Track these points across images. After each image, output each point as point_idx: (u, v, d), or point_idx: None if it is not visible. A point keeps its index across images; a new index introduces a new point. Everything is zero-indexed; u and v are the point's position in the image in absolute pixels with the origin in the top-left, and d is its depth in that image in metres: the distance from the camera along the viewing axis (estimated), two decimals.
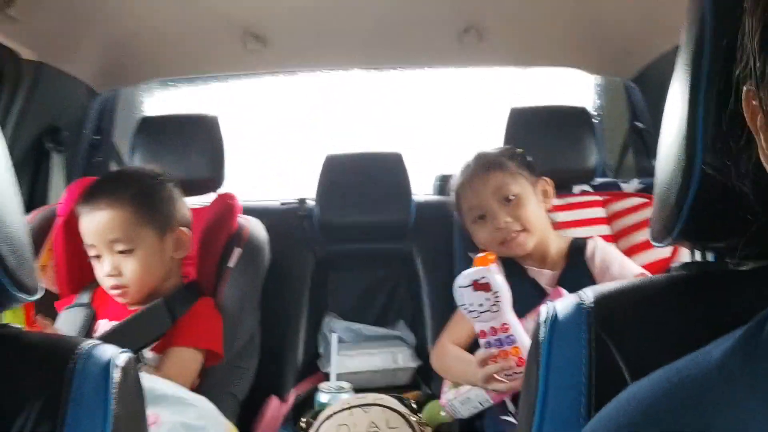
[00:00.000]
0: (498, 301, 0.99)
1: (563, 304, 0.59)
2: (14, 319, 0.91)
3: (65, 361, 0.62)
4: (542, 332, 0.58)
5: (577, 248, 1.30)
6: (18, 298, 0.67)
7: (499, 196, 1.25)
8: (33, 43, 1.48)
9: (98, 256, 1.21)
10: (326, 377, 1.45)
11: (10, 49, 1.43)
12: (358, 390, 1.40)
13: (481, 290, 0.99)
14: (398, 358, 1.56)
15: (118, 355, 0.65)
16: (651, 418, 0.37)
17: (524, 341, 1.01)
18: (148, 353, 1.19)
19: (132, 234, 1.20)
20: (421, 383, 1.58)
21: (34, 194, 1.65)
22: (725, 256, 0.63)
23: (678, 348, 0.53)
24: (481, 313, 1.00)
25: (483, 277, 0.98)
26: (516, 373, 1.02)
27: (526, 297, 1.20)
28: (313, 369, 1.61)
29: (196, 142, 1.65)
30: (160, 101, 2.08)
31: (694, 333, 0.54)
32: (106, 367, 0.63)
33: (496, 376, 1.04)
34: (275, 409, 1.43)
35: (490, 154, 1.34)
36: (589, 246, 1.29)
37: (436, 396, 1.44)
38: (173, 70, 1.91)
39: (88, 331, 1.22)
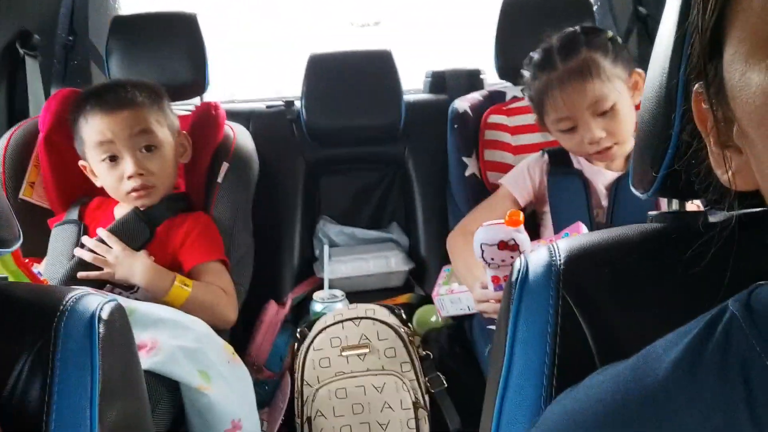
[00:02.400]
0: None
1: (535, 260, 0.59)
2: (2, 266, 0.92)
3: (50, 318, 0.64)
4: (512, 291, 0.58)
5: None
6: None
7: (594, 109, 1.12)
8: None
9: (114, 158, 1.19)
10: (322, 281, 1.50)
11: None
12: (351, 294, 1.46)
13: (506, 249, 0.98)
14: (391, 262, 1.59)
15: (101, 307, 0.67)
16: None
17: None
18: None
19: (156, 130, 1.21)
20: (415, 285, 1.63)
21: (12, 105, 1.60)
22: (705, 205, 0.62)
23: (646, 317, 0.54)
24: (500, 266, 1.00)
25: (512, 239, 0.95)
26: None
27: (573, 207, 1.21)
28: (310, 272, 1.65)
29: (175, 43, 1.58)
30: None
31: (666, 299, 0.55)
32: (90, 321, 0.65)
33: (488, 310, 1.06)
34: (273, 313, 1.49)
35: (581, 52, 1.14)
36: None
37: (428, 298, 1.49)
38: None
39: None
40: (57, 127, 1.33)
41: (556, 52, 1.17)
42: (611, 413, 0.38)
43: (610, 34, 1.20)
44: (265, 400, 1.30)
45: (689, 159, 0.47)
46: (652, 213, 0.64)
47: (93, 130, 1.18)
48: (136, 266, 1.13)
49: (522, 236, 0.96)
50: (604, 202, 1.22)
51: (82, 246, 1.18)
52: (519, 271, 0.59)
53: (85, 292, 0.68)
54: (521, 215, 0.96)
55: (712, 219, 0.61)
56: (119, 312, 0.69)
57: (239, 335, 1.37)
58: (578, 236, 0.62)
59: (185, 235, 1.24)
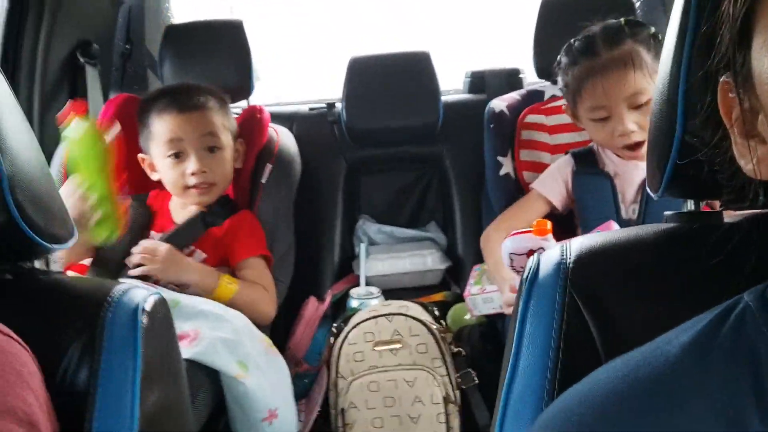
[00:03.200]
0: None
1: (546, 259, 0.61)
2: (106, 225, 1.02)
3: (98, 309, 0.69)
4: (523, 289, 0.60)
5: None
6: (52, 249, 0.74)
7: (630, 102, 1.12)
8: None
9: (179, 155, 1.26)
10: (359, 279, 1.55)
11: None
12: (388, 291, 1.49)
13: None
14: (428, 261, 1.62)
15: (146, 299, 0.72)
16: (601, 422, 0.38)
17: None
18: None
19: (220, 134, 1.29)
20: (450, 283, 1.65)
21: None
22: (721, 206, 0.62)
23: (655, 318, 0.55)
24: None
25: (541, 248, 0.96)
26: None
27: (600, 206, 1.22)
28: (349, 270, 1.70)
29: (223, 49, 1.65)
30: (189, 6, 2.04)
31: (675, 299, 0.55)
32: (134, 313, 0.70)
33: None
34: (313, 309, 1.54)
35: (626, 43, 1.14)
36: None
37: (463, 297, 1.51)
38: None
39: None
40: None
41: (599, 40, 1.17)
42: (621, 394, 0.38)
43: (652, 29, 1.20)
44: (303, 392, 1.35)
45: (708, 154, 0.48)
46: (667, 213, 0.65)
47: (165, 127, 1.26)
48: (183, 269, 1.20)
49: (550, 245, 0.96)
50: (638, 199, 1.22)
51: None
52: (530, 269, 0.61)
53: (131, 285, 0.74)
54: (549, 224, 0.97)
55: (727, 220, 0.61)
56: (162, 304, 0.75)
57: (280, 329, 1.43)
58: (592, 235, 0.63)
59: (231, 232, 1.30)
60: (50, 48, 1.57)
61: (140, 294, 0.73)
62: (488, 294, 1.26)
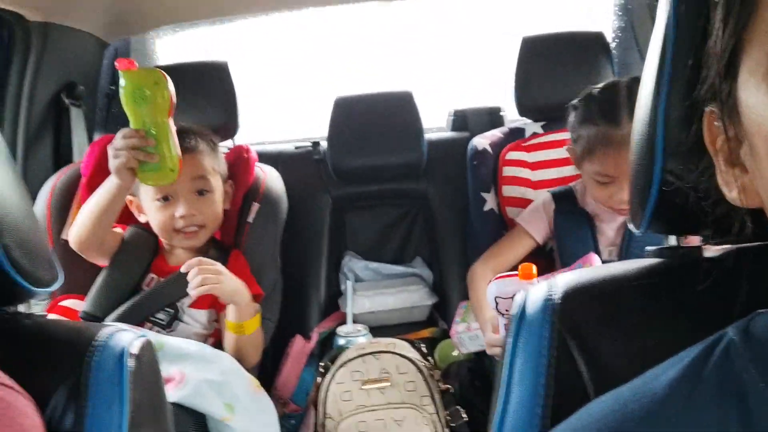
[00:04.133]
0: None
1: (534, 295, 0.61)
2: None
3: (84, 352, 0.69)
4: (512, 326, 0.61)
5: None
6: (35, 293, 0.73)
7: None
8: (37, 3, 1.48)
9: (168, 198, 1.24)
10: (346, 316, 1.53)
11: (16, 13, 1.44)
12: (375, 328, 1.49)
13: None
14: (414, 297, 1.62)
15: (132, 342, 0.72)
16: None
17: None
18: (189, 309, 1.26)
19: (210, 177, 1.29)
20: (438, 319, 1.65)
21: (58, 152, 1.71)
22: (702, 241, 0.64)
23: (642, 353, 0.55)
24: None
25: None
26: None
27: (579, 245, 1.23)
28: (336, 307, 1.69)
29: (208, 90, 1.67)
30: (173, 48, 2.07)
31: (661, 334, 0.56)
32: (121, 356, 0.69)
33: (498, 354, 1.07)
34: (300, 347, 1.52)
35: None
36: None
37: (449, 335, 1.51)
38: (181, 15, 1.89)
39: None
40: (98, 170, 1.42)
41: (624, 109, 1.12)
42: (611, 429, 0.39)
43: None
44: None
45: (692, 184, 0.49)
46: (649, 248, 0.66)
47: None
48: (239, 284, 1.18)
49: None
50: (617, 240, 1.24)
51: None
52: (519, 306, 0.61)
53: (117, 329, 0.73)
54: (534, 268, 0.97)
55: (707, 254, 0.63)
56: (148, 347, 0.74)
57: (267, 369, 1.41)
58: (577, 271, 0.64)
59: None
60: (35, 89, 1.58)
61: (126, 337, 0.72)
62: (474, 332, 1.26)
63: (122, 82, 1.09)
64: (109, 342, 0.70)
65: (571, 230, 1.28)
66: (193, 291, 1.10)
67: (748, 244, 0.60)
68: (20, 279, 0.69)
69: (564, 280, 0.62)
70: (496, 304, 0.99)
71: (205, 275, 1.10)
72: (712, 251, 0.63)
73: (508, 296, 0.97)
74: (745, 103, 0.37)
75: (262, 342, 1.26)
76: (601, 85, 1.20)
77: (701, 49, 0.44)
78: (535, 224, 1.34)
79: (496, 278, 1.01)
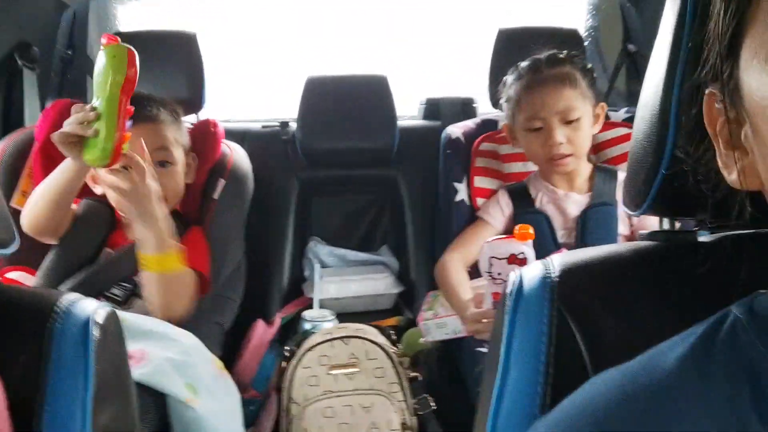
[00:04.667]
0: None
1: (530, 274, 0.60)
2: None
3: (44, 320, 0.63)
4: (507, 303, 0.59)
5: (606, 174, 1.34)
6: None
7: (563, 116, 1.24)
8: None
9: (127, 169, 1.13)
10: (311, 301, 1.50)
11: None
12: (340, 314, 1.46)
13: (515, 263, 0.99)
14: (380, 285, 1.60)
15: (97, 311, 0.66)
16: (601, 430, 0.37)
17: None
18: None
19: (172, 148, 1.23)
20: (403, 308, 1.63)
21: (8, 115, 1.61)
22: (696, 225, 0.64)
23: (641, 330, 0.55)
24: (504, 282, 1.01)
25: (522, 253, 0.97)
26: None
27: (541, 239, 1.21)
28: (299, 292, 1.65)
29: (174, 61, 1.60)
30: (134, 14, 1.98)
31: (659, 312, 0.56)
32: (86, 325, 0.64)
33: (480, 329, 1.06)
34: (261, 332, 1.48)
35: (566, 66, 1.29)
36: (621, 176, 1.32)
37: (416, 321, 1.49)
38: None
39: None
40: None
41: (544, 60, 1.30)
42: (620, 403, 0.38)
43: (589, 65, 1.35)
44: (250, 419, 1.28)
45: (692, 166, 0.49)
46: (642, 232, 0.66)
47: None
48: (153, 209, 1.06)
49: (531, 251, 0.98)
50: (573, 225, 1.31)
51: None
52: (514, 284, 0.60)
53: (79, 297, 0.68)
54: (531, 229, 0.99)
55: (701, 239, 0.63)
56: (113, 317, 0.69)
57: (227, 353, 1.36)
58: (572, 252, 0.63)
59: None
60: None
61: (90, 305, 0.67)
62: (441, 319, 1.25)
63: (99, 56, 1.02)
64: (73, 309, 0.65)
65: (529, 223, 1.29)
66: (102, 179, 1.02)
67: (744, 231, 0.60)
68: None
69: (561, 259, 0.61)
70: (490, 265, 0.99)
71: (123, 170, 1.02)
72: (706, 237, 0.64)
73: (503, 257, 0.97)
74: (747, 85, 0.37)
75: (189, 292, 1.15)
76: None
77: (700, 31, 0.44)
78: (494, 215, 1.38)
79: (492, 240, 1.02)
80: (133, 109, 1.01)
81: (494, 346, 0.60)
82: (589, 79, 1.30)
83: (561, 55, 1.32)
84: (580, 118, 1.24)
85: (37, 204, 1.14)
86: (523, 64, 1.34)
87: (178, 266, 1.10)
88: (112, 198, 1.05)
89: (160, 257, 1.08)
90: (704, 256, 0.58)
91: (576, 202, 1.32)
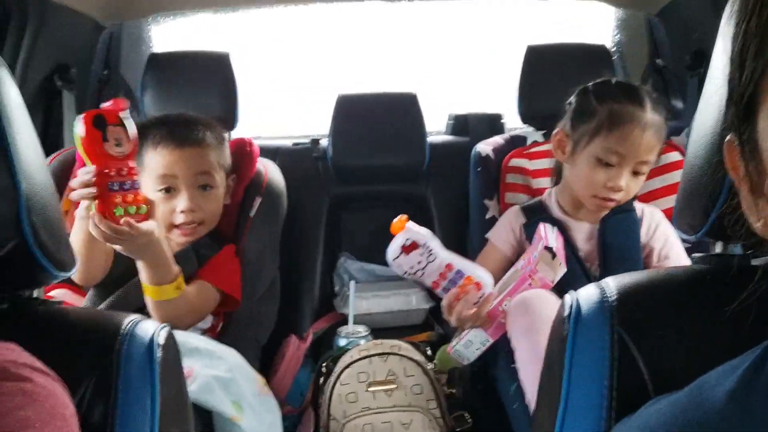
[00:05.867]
0: (431, 250, 1.02)
1: (586, 296, 0.61)
2: None
3: (112, 342, 0.65)
4: (566, 328, 0.60)
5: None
6: (57, 276, 0.70)
7: (638, 166, 1.16)
8: None
9: (169, 190, 1.20)
10: (342, 317, 1.52)
11: None
12: (373, 330, 1.47)
13: (412, 251, 1.02)
14: (411, 300, 1.61)
15: (159, 333, 0.68)
16: None
17: (470, 268, 1.05)
18: None
19: (215, 172, 1.24)
20: (434, 323, 1.63)
21: (47, 135, 1.65)
22: (746, 249, 0.65)
23: (698, 352, 0.56)
24: (424, 268, 1.03)
25: (407, 239, 1.01)
26: (480, 298, 1.06)
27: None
28: (329, 308, 1.66)
29: (207, 80, 1.63)
30: (168, 35, 2.02)
31: (714, 335, 0.57)
32: (150, 346, 0.66)
33: (463, 315, 1.07)
34: (295, 347, 1.49)
35: (663, 113, 1.17)
36: (638, 207, 1.28)
37: (448, 336, 1.50)
38: (178, 2, 1.84)
39: None
40: None
41: (647, 97, 1.17)
42: None
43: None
44: None
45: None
46: (696, 255, 0.67)
47: (159, 161, 1.19)
48: (156, 246, 1.05)
49: (412, 233, 1.02)
50: (588, 249, 1.27)
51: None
52: (570, 307, 0.61)
53: (139, 317, 0.70)
54: (404, 217, 1.03)
55: (754, 262, 0.64)
56: (172, 338, 0.71)
57: (261, 368, 1.38)
58: (628, 274, 0.64)
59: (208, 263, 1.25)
60: (28, 68, 1.52)
61: (151, 326, 0.69)
62: (465, 339, 1.25)
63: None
64: (136, 331, 0.67)
65: None
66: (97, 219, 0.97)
67: None
68: (45, 261, 0.66)
69: (616, 282, 0.62)
70: (399, 267, 1.04)
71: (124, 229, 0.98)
72: (758, 260, 0.64)
73: (398, 253, 1.03)
74: (764, 147, 0.37)
75: (198, 307, 1.16)
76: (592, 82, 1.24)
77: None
78: (501, 238, 1.34)
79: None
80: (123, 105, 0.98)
81: (552, 368, 0.61)
82: (666, 123, 1.20)
83: (656, 94, 1.22)
84: (647, 172, 1.18)
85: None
86: (616, 83, 1.22)
87: (177, 294, 1.10)
88: (94, 230, 1.00)
89: (158, 288, 1.08)
90: (759, 279, 0.58)
91: (585, 230, 1.28)
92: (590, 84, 1.25)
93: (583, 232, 1.27)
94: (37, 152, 0.70)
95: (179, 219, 1.20)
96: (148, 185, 1.21)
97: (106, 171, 0.95)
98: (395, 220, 1.02)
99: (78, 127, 0.95)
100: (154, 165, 1.20)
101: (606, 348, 0.57)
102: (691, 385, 0.44)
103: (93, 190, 0.95)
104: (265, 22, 2.06)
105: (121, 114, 0.97)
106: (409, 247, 1.01)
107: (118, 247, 1.03)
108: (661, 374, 0.55)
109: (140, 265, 1.07)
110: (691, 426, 0.39)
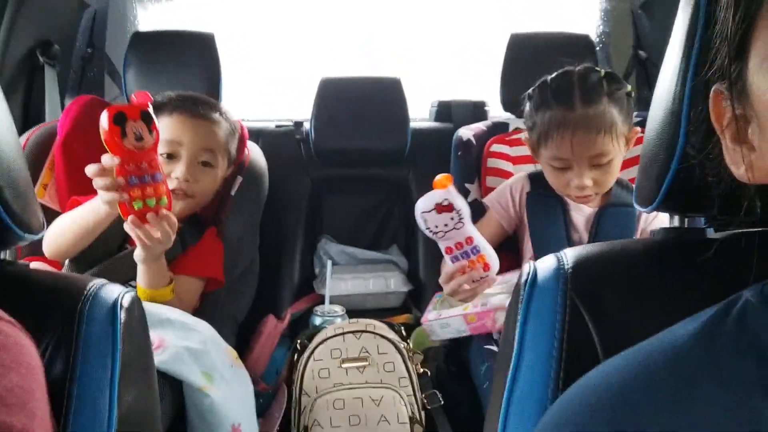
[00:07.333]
0: (461, 218, 1.02)
1: (543, 265, 0.62)
2: None
3: (74, 302, 0.66)
4: (521, 293, 0.61)
5: (623, 188, 1.26)
6: (24, 238, 0.70)
7: (594, 160, 1.13)
8: None
9: (171, 157, 1.21)
10: (321, 298, 1.52)
11: None
12: (350, 311, 1.48)
13: (444, 212, 1.01)
14: (390, 283, 1.62)
15: (123, 296, 0.69)
16: (621, 403, 0.39)
17: (487, 248, 1.05)
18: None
19: (218, 153, 1.26)
20: (412, 307, 1.65)
21: (28, 110, 1.64)
22: (706, 223, 0.66)
23: (649, 319, 0.57)
24: (447, 232, 1.03)
25: (445, 199, 1.00)
26: (482, 278, 1.05)
27: (551, 227, 1.25)
28: (309, 289, 1.67)
29: (192, 60, 1.63)
30: (153, 15, 2.01)
31: (669, 303, 0.58)
32: (113, 308, 0.67)
33: (461, 288, 1.06)
34: (272, 326, 1.50)
35: (602, 104, 1.11)
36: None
37: (420, 322, 1.51)
38: None
39: None
40: (75, 131, 1.37)
41: (577, 92, 1.13)
42: (637, 377, 0.40)
43: (629, 88, 1.19)
44: (259, 412, 1.30)
45: (700, 161, 0.51)
46: (654, 228, 0.68)
47: (170, 127, 1.21)
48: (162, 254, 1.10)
49: (453, 195, 1.00)
50: (584, 236, 1.26)
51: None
52: (528, 273, 0.62)
53: (105, 281, 0.71)
54: (448, 176, 1.00)
55: (711, 236, 0.65)
56: (138, 302, 0.72)
57: (238, 346, 1.38)
58: (587, 245, 0.65)
59: (190, 247, 1.26)
60: (9, 42, 1.51)
61: (116, 290, 0.70)
62: (444, 319, 1.26)
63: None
64: (100, 293, 0.68)
65: (544, 211, 1.28)
66: (131, 226, 1.01)
67: (753, 229, 0.62)
68: (10, 222, 0.66)
69: (573, 252, 0.63)
70: (425, 221, 1.00)
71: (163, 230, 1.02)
72: (715, 234, 0.65)
73: (430, 208, 0.99)
74: (756, 86, 0.38)
75: (187, 303, 1.19)
76: (555, 73, 1.21)
77: (705, 32, 0.46)
78: (498, 208, 1.34)
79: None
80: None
81: (508, 334, 0.62)
82: (627, 107, 1.15)
83: (594, 78, 1.15)
84: (612, 159, 1.14)
85: (63, 236, 1.14)
86: (553, 86, 1.18)
87: (171, 297, 1.14)
88: (133, 234, 1.05)
89: (154, 292, 1.11)
90: (715, 251, 0.60)
91: (587, 213, 1.27)
92: (536, 85, 1.23)
93: (582, 216, 1.27)
94: (4, 114, 0.70)
95: (173, 184, 1.20)
96: None
97: (126, 166, 0.98)
98: (439, 176, 0.99)
99: (102, 121, 0.98)
100: (163, 129, 1.19)
101: (558, 312, 0.58)
102: (653, 336, 0.45)
103: (108, 180, 0.98)
104: (249, 5, 2.05)
105: (144, 109, 1.00)
106: (444, 207, 1.01)
107: (138, 253, 1.07)
108: (612, 340, 0.56)
109: (141, 269, 1.10)
110: (656, 364, 0.40)
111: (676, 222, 0.68)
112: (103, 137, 0.98)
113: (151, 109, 1.00)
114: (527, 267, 0.64)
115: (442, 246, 1.05)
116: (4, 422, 0.48)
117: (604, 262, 0.62)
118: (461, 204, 1.01)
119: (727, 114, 0.42)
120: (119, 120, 0.97)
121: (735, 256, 0.58)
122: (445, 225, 1.01)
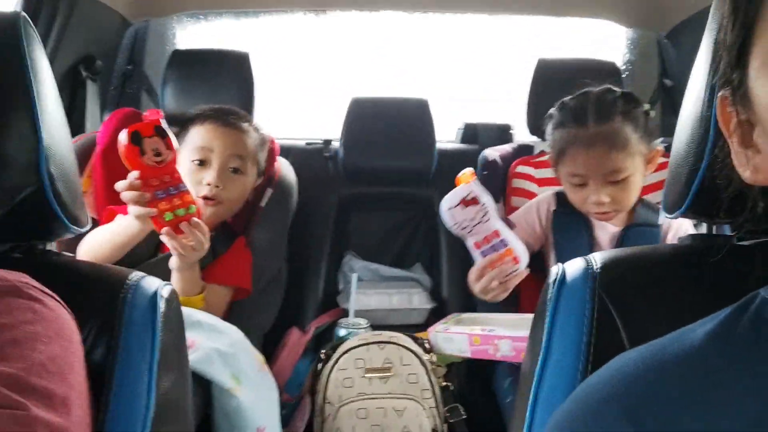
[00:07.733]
0: (487, 211, 1.03)
1: (572, 265, 0.64)
2: None
3: (117, 290, 0.69)
4: (550, 292, 0.63)
5: (648, 209, 1.27)
6: (72, 230, 0.74)
7: (609, 177, 1.14)
8: None
9: (202, 163, 1.25)
10: (345, 313, 1.54)
11: None
12: (374, 326, 1.49)
13: (470, 205, 1.02)
14: (413, 299, 1.63)
15: (162, 287, 0.72)
16: (634, 392, 0.40)
17: (515, 242, 1.05)
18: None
19: (248, 161, 1.30)
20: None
21: (70, 122, 1.69)
22: (733, 230, 0.67)
23: (675, 318, 0.58)
24: (474, 226, 1.04)
25: (470, 193, 1.01)
26: (512, 272, 1.05)
27: (575, 244, 1.25)
28: (333, 304, 1.69)
29: (227, 78, 1.68)
30: (191, 35, 2.09)
31: (694, 304, 0.59)
32: (153, 298, 0.70)
33: (492, 284, 1.06)
34: (296, 339, 1.51)
35: (615, 121, 1.13)
36: (667, 222, 1.26)
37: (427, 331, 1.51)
38: (205, 2, 1.91)
39: None
40: (114, 142, 1.42)
41: (591, 109, 1.17)
42: (651, 368, 0.40)
43: (646, 106, 1.22)
44: (283, 422, 1.31)
45: (720, 170, 0.52)
46: (681, 236, 0.69)
47: (201, 134, 1.27)
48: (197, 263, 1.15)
49: (477, 189, 1.01)
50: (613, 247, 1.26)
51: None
52: (557, 274, 0.64)
53: (146, 275, 0.74)
54: (471, 170, 1.03)
55: (738, 243, 0.66)
56: (175, 294, 0.75)
57: (264, 355, 1.40)
58: (612, 250, 0.67)
59: (221, 256, 1.29)
60: (56, 56, 1.58)
61: (156, 282, 0.73)
62: (450, 334, 1.25)
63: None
64: (141, 283, 0.71)
65: (569, 229, 1.29)
66: (167, 238, 1.06)
67: None
68: (60, 212, 0.70)
69: (602, 255, 0.65)
70: (452, 218, 1.02)
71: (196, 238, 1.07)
72: (742, 242, 0.66)
73: (456, 204, 1.01)
74: (756, 94, 0.40)
75: (216, 311, 1.22)
76: (574, 94, 1.24)
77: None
78: (523, 224, 1.34)
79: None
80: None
81: (536, 332, 0.63)
82: (643, 126, 1.17)
83: (610, 97, 1.18)
84: (629, 176, 1.15)
85: (101, 248, 1.17)
86: (570, 105, 1.22)
87: (202, 305, 1.17)
88: (170, 245, 1.10)
89: (186, 300, 1.13)
90: (741, 257, 0.61)
91: (611, 232, 1.28)
92: (556, 106, 1.26)
93: (607, 234, 1.27)
94: (59, 112, 0.74)
95: (202, 191, 1.24)
96: (185, 156, 1.26)
97: (150, 181, 1.03)
98: (462, 172, 1.02)
99: (120, 143, 1.03)
100: (195, 137, 1.27)
101: (586, 309, 0.59)
102: (671, 333, 0.46)
103: (136, 194, 1.03)
104: (284, 27, 2.12)
105: (157, 124, 1.04)
106: (469, 201, 1.02)
107: (174, 262, 1.11)
108: (639, 340, 0.57)
109: (176, 277, 1.14)
110: (671, 359, 0.41)
111: (703, 230, 0.69)
112: (123, 158, 1.03)
113: (164, 124, 1.05)
114: (555, 268, 0.65)
115: (470, 242, 1.06)
116: (46, 388, 0.51)
117: (632, 264, 0.63)
118: (486, 197, 1.02)
119: (733, 119, 0.43)
120: (136, 139, 1.02)
121: (763, 263, 0.59)
122: (472, 219, 1.03)
